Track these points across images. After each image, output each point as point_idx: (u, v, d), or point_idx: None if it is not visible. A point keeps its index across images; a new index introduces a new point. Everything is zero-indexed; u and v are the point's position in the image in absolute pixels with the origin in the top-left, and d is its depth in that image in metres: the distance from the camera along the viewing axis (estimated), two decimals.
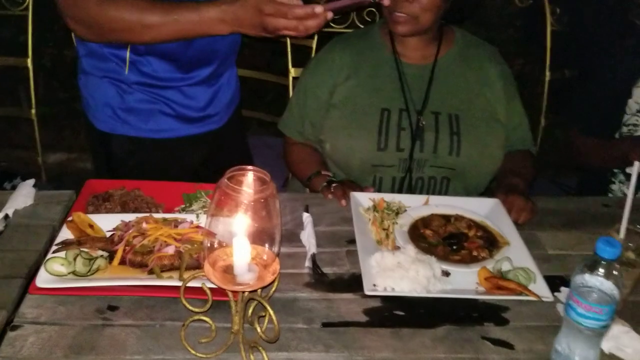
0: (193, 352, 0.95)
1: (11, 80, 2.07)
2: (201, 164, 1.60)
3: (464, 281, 1.13)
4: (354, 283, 1.13)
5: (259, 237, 0.91)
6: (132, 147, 1.49)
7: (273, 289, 0.97)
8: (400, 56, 1.56)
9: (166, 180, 1.36)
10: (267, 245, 0.91)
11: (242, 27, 1.26)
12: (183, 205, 1.30)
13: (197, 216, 1.20)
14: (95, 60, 1.45)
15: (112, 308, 1.04)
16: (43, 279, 1.03)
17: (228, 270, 0.91)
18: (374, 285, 1.10)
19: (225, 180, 0.86)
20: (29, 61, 1.89)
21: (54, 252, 1.09)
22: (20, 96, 1.95)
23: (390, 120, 1.51)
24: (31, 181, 1.33)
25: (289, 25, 1.20)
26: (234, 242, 0.89)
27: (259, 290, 0.93)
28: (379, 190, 1.50)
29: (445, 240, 1.23)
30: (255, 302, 0.96)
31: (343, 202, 1.37)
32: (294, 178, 1.74)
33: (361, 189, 1.43)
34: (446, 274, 1.15)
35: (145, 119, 1.48)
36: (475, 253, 1.20)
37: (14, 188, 1.57)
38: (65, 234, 1.14)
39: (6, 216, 1.22)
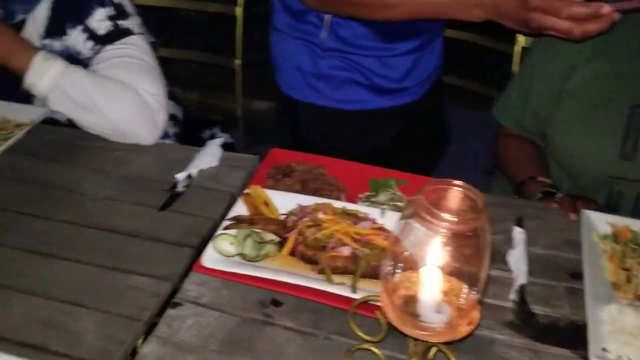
0: None
1: (218, 27, 2.09)
2: (393, 139, 1.42)
3: None
4: (573, 336, 0.87)
5: (457, 271, 0.70)
6: (319, 117, 1.38)
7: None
8: None
9: (351, 155, 1.21)
10: (467, 284, 0.70)
11: (500, 17, 1.06)
12: (368, 193, 1.13)
13: (382, 212, 1.02)
14: (290, 19, 1.33)
15: (276, 303, 0.93)
16: (210, 258, 0.95)
17: (410, 302, 0.73)
18: (604, 349, 0.83)
19: (422, 197, 0.66)
20: (240, 10, 1.85)
21: (224, 227, 1.00)
22: (226, 44, 1.95)
23: None
24: (219, 140, 1.28)
25: (560, 26, 0.97)
26: (422, 272, 0.69)
27: None
28: (614, 212, 1.16)
29: None
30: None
31: (572, 216, 1.09)
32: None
33: (598, 206, 1.12)
34: None
35: (336, 87, 1.34)
36: None
37: (212, 137, 1.57)
38: (240, 207, 1.06)
39: (189, 176, 1.17)
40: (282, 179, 1.13)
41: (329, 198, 1.08)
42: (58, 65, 1.19)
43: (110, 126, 1.23)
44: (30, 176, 1.20)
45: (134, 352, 0.86)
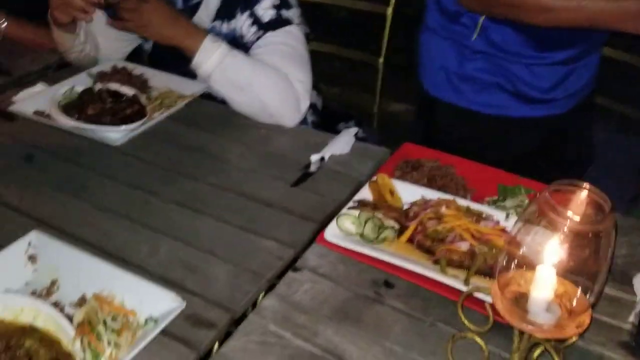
0: None
1: (365, 25, 2.18)
2: (531, 151, 1.41)
3: None
4: None
5: (573, 273, 0.71)
6: (458, 118, 1.39)
7: (575, 338, 0.76)
8: None
9: (483, 162, 1.23)
10: (581, 287, 0.71)
11: None
12: (495, 198, 1.14)
13: (507, 216, 1.04)
14: (443, 19, 1.37)
15: (388, 284, 0.99)
16: (332, 233, 1.03)
17: (520, 299, 0.74)
18: None
19: (547, 194, 0.68)
20: (390, 10, 1.93)
21: (349, 208, 1.08)
22: (370, 42, 2.03)
23: None
24: (354, 130, 1.36)
25: None
26: (538, 270, 0.71)
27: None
28: None
29: None
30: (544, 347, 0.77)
31: None
32: None
33: None
34: None
35: (479, 90, 1.35)
36: None
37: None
38: (365, 193, 1.12)
39: (322, 158, 1.27)
40: (410, 172, 1.18)
41: (454, 196, 1.11)
42: (223, 48, 1.34)
43: (260, 106, 1.35)
44: (185, 142, 1.36)
45: (254, 304, 0.96)
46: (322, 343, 0.88)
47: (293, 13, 1.44)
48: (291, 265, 1.03)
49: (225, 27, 1.45)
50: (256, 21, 1.41)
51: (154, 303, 0.89)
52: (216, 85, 1.38)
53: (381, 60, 2.00)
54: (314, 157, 1.26)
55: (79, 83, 1.49)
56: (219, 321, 0.91)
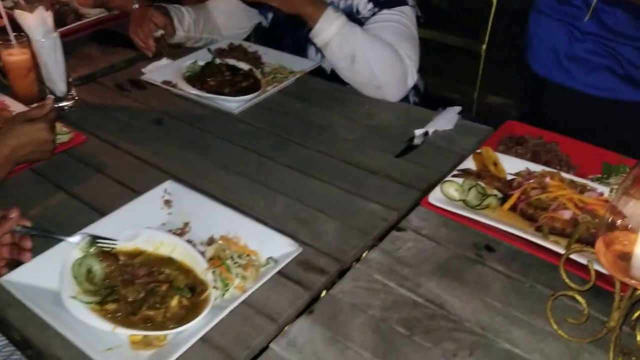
0: (555, 327, 0.89)
1: (467, 18, 2.22)
2: (636, 135, 1.40)
3: None
4: None
5: None
6: (564, 98, 1.42)
7: None
8: None
9: (587, 140, 1.25)
10: None
11: None
12: (599, 175, 1.17)
13: (611, 190, 1.07)
14: (555, 1, 1.40)
15: (488, 248, 1.04)
16: (436, 197, 1.10)
17: (624, 258, 0.79)
18: None
19: None
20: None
21: (453, 176, 1.14)
22: (472, 32, 2.08)
23: None
24: (458, 108, 1.42)
25: None
26: None
27: None
28: None
29: None
30: None
31: None
32: None
33: None
34: None
35: (588, 72, 1.37)
36: None
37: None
38: (469, 163, 1.18)
39: (426, 133, 1.34)
40: (514, 147, 1.22)
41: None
42: (342, 19, 1.44)
43: (370, 77, 1.44)
44: (294, 113, 1.48)
45: (358, 259, 1.05)
46: (424, 293, 0.96)
47: None
48: (395, 226, 1.11)
49: (342, 2, 1.55)
50: None
51: (273, 246, 1.00)
52: (331, 53, 1.47)
53: (483, 46, 2.03)
54: (418, 131, 1.34)
55: (200, 58, 1.65)
56: (329, 268, 1.01)
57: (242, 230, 1.03)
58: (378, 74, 1.43)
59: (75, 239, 0.98)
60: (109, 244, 0.99)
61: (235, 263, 0.96)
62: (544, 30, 1.45)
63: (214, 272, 0.94)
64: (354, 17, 1.52)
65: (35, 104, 1.28)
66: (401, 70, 1.44)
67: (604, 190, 1.06)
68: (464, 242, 1.06)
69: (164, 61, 1.69)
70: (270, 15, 1.74)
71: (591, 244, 0.98)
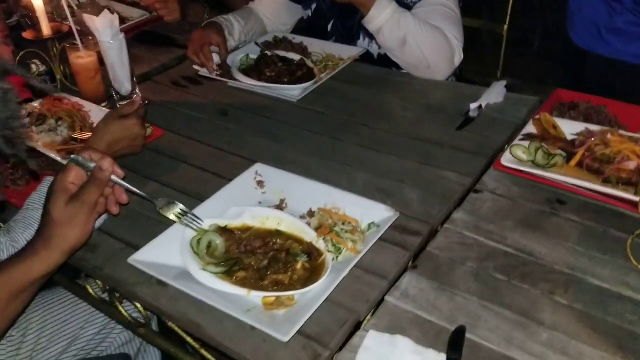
0: (635, 262, 1.01)
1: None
2: None
3: None
4: None
5: None
6: (607, 69, 1.55)
7: None
8: None
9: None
10: None
11: None
12: None
13: None
14: None
15: (560, 202, 1.17)
16: (507, 159, 1.23)
17: None
18: None
19: None
20: None
21: (519, 139, 1.27)
22: (497, 16, 2.20)
23: None
24: (504, 82, 1.54)
25: None
26: None
27: None
28: None
29: None
30: None
31: None
32: None
33: None
34: None
35: (628, 42, 1.50)
36: None
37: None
38: (530, 128, 1.31)
39: (480, 106, 1.46)
40: (568, 112, 1.35)
41: None
42: (393, 5, 1.56)
43: (420, 58, 1.57)
44: (351, 97, 1.59)
45: (444, 221, 1.16)
46: (512, 244, 1.08)
47: None
48: (471, 189, 1.23)
49: None
50: None
51: (372, 213, 1.11)
52: (384, 38, 1.59)
53: (506, 26, 2.16)
54: (473, 105, 1.46)
55: (250, 51, 1.75)
56: (422, 230, 1.12)
57: (339, 201, 1.14)
58: (428, 55, 1.56)
59: (161, 202, 1.08)
60: (196, 217, 1.09)
61: (342, 230, 1.07)
62: (585, 6, 1.58)
63: (324, 239, 1.05)
64: (402, 2, 1.64)
65: (126, 102, 1.37)
66: (449, 51, 1.57)
67: None
68: (537, 197, 1.18)
69: (215, 57, 1.79)
70: (314, 6, 1.85)
71: None
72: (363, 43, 1.76)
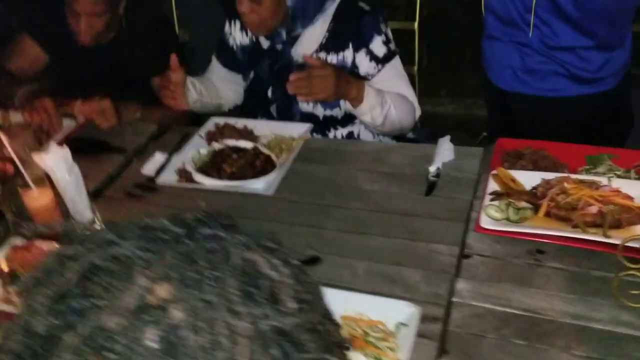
0: (623, 299, 1.18)
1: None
2: (587, 122, 1.77)
3: None
4: None
5: None
6: (530, 105, 1.76)
7: None
8: None
9: (554, 135, 1.58)
10: None
11: None
12: (587, 167, 1.49)
13: (609, 180, 1.39)
14: (501, 25, 1.72)
15: (540, 252, 1.32)
16: (485, 221, 1.36)
17: None
18: None
19: None
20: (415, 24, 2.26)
21: (490, 200, 1.40)
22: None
23: None
24: (448, 137, 1.68)
25: None
26: None
27: None
28: None
29: None
30: None
31: None
32: None
33: None
34: None
35: (542, 79, 1.71)
36: None
37: None
38: (492, 185, 1.45)
39: (438, 168, 1.58)
40: (517, 161, 1.51)
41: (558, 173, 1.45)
42: (372, 90, 1.68)
43: (397, 126, 1.76)
44: (315, 176, 1.65)
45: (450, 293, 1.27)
46: (517, 305, 1.21)
47: (393, 44, 1.77)
48: (461, 256, 1.34)
49: (331, 58, 1.78)
50: (373, 57, 1.75)
51: (394, 312, 1.16)
52: (369, 119, 1.72)
53: (415, 68, 2.33)
54: (432, 168, 1.58)
55: (195, 146, 1.75)
56: (438, 314, 1.19)
57: (358, 305, 1.18)
58: (401, 121, 1.74)
59: None
60: None
61: (376, 338, 1.13)
62: (498, 53, 1.78)
63: (365, 354, 1.09)
64: (356, 74, 1.74)
65: None
66: (413, 111, 1.78)
67: (604, 180, 1.38)
68: (519, 251, 1.33)
69: (159, 156, 1.77)
70: (251, 75, 1.93)
71: (619, 227, 1.29)
72: (307, 106, 1.83)
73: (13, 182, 1.47)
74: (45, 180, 1.44)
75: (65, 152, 1.43)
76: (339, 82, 1.61)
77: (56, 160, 1.42)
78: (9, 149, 1.39)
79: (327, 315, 0.57)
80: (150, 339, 0.46)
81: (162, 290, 0.48)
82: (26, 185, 1.43)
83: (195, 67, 2.28)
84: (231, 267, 0.51)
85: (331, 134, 1.89)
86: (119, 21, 2.05)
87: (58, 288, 0.50)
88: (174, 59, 1.73)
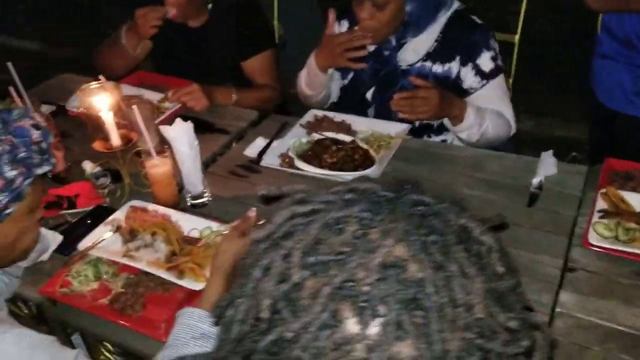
0: None
1: None
2: None
3: None
4: None
5: None
6: (636, 127, 1.75)
7: None
8: None
9: None
10: None
11: None
12: None
13: None
14: (618, 46, 1.72)
15: None
16: (594, 238, 1.37)
17: None
18: None
19: None
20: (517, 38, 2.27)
21: (599, 217, 1.41)
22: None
23: None
24: (551, 151, 1.68)
25: None
26: None
27: None
28: None
29: None
30: None
31: None
32: None
33: None
34: None
35: None
36: None
37: None
38: (601, 203, 1.46)
39: (540, 181, 1.60)
40: (626, 182, 1.51)
41: None
42: (472, 109, 1.71)
43: (491, 142, 1.77)
44: (413, 177, 1.67)
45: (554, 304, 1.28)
46: (623, 322, 1.22)
47: (500, 60, 1.79)
48: (565, 269, 1.36)
49: (436, 67, 1.81)
50: (479, 72, 1.77)
51: None
52: (463, 135, 1.76)
53: (511, 81, 2.33)
54: (535, 180, 1.59)
55: (295, 135, 1.81)
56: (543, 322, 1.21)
57: None
58: (496, 139, 1.76)
59: None
60: None
61: None
62: (610, 73, 1.79)
63: None
64: (454, 83, 1.77)
65: (241, 219, 1.33)
66: (509, 130, 1.78)
67: None
68: (624, 271, 1.33)
69: (260, 141, 1.84)
70: (350, 75, 1.98)
71: None
72: None
73: (136, 149, 1.56)
74: (167, 150, 1.53)
75: (188, 126, 1.51)
76: (442, 103, 1.65)
77: (180, 133, 1.50)
78: (139, 119, 1.48)
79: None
80: (393, 294, 0.51)
81: (400, 250, 0.53)
82: (148, 153, 1.52)
83: (283, 61, 2.36)
84: (453, 232, 0.56)
85: None
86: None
87: (307, 242, 0.55)
88: None
